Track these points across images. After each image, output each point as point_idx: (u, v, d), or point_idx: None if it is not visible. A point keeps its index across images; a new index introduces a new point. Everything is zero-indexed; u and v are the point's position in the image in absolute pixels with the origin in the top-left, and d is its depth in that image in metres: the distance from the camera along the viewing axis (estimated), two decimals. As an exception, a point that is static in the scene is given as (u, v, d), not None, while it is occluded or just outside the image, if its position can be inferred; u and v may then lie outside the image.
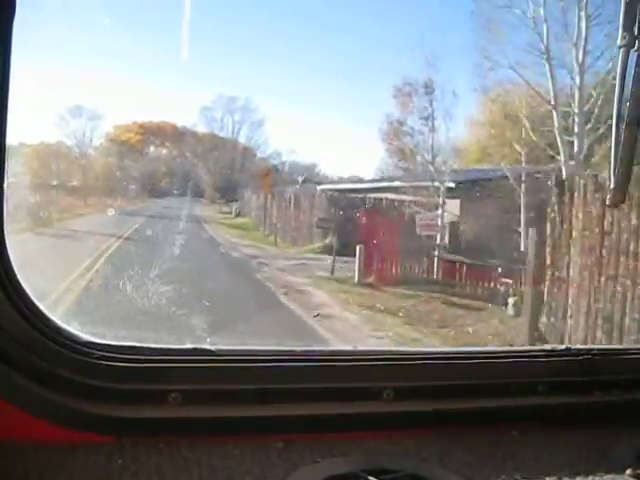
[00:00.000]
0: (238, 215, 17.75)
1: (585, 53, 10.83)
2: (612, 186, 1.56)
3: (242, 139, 17.80)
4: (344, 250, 11.52)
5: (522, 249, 10.59)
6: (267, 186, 16.09)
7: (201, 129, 17.89)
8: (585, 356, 1.70)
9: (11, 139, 1.30)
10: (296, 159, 18.33)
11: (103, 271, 8.61)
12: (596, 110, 10.60)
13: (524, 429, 1.57)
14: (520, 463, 1.44)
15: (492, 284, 10.85)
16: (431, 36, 16.53)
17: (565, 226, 8.16)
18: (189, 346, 1.46)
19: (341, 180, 17.19)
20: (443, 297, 10.72)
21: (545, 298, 8.40)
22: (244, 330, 6.42)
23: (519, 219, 11.74)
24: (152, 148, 17.79)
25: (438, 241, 12.19)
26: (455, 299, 10.69)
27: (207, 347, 1.46)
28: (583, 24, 10.70)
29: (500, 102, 12.54)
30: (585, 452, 1.51)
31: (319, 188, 16.07)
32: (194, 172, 17.99)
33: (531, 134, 11.67)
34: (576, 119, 10.98)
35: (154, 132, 17.44)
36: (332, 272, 11.54)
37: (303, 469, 1.34)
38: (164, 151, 18.06)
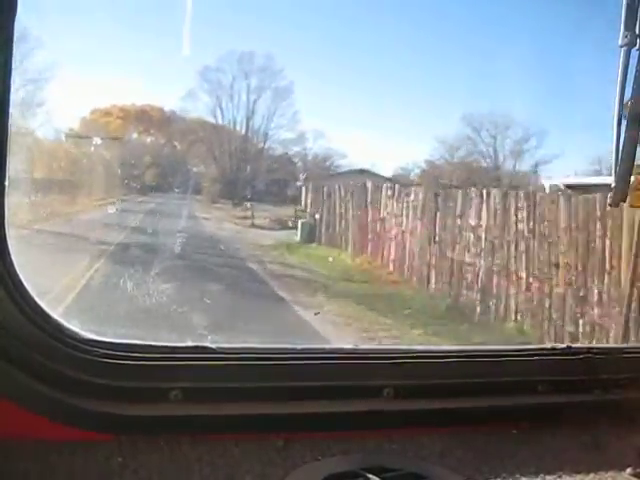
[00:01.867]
0: (311, 240, 10.24)
1: None
2: (613, 185, 1.63)
3: (259, 113, 13.15)
4: None
5: None
6: None
7: (202, 99, 13.35)
8: (585, 355, 1.77)
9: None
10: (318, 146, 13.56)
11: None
12: None
13: (524, 427, 1.63)
14: (520, 461, 1.50)
15: None
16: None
17: None
18: (190, 344, 1.51)
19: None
20: None
21: None
22: None
23: None
24: (135, 135, 14.65)
25: None
26: None
27: (208, 345, 1.52)
28: None
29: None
30: (585, 451, 1.57)
31: (548, 184, 10.05)
32: (189, 162, 14.22)
33: None
34: None
35: (138, 116, 14.98)
36: None
37: (303, 467, 1.40)
38: (148, 139, 14.63)
